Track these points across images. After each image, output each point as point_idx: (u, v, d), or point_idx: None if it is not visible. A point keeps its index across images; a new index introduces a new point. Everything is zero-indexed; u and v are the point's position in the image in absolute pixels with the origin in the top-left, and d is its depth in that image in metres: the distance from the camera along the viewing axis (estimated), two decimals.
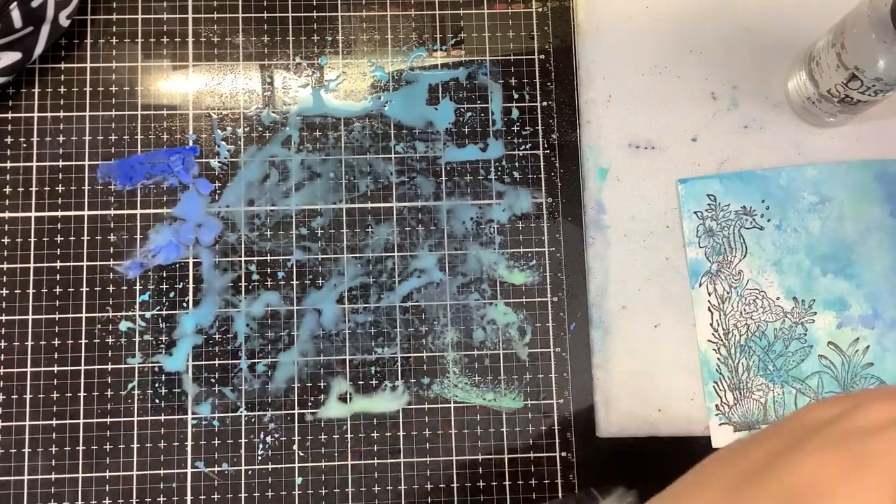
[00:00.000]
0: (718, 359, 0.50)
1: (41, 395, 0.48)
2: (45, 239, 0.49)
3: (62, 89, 0.51)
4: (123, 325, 0.49)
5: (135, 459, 0.48)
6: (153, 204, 0.50)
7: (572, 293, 0.51)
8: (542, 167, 0.52)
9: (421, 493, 0.48)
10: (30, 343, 0.48)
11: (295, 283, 0.50)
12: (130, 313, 0.49)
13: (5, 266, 0.49)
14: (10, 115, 0.50)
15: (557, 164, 0.52)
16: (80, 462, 0.47)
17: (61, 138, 0.50)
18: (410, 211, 0.51)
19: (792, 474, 0.24)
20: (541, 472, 0.49)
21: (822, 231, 0.51)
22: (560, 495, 0.49)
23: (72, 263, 0.49)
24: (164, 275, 0.50)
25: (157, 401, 0.48)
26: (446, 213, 0.51)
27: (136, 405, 0.48)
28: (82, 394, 0.48)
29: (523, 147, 0.52)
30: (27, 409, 0.48)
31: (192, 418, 0.48)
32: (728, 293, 0.51)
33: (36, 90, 0.51)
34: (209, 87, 0.52)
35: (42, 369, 0.48)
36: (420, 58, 0.53)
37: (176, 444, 0.48)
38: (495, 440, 0.49)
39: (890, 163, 0.52)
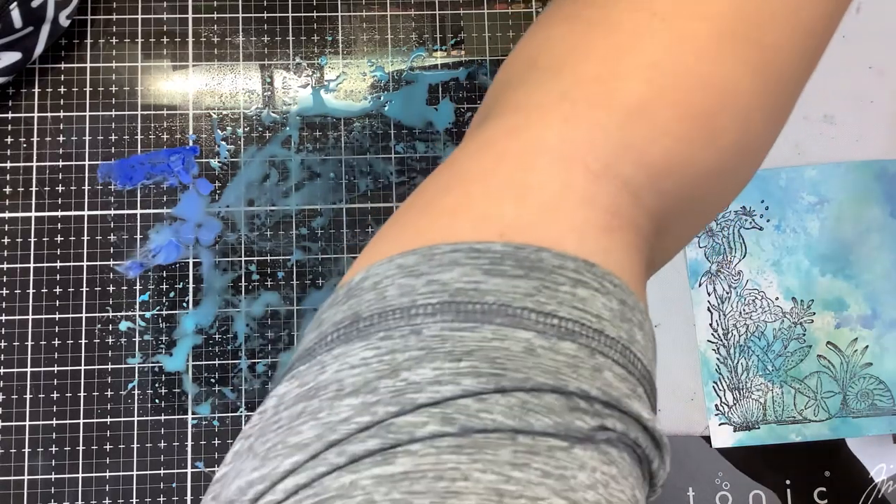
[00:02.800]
0: (718, 359, 0.50)
1: (41, 395, 0.48)
2: (45, 239, 0.49)
3: (62, 89, 0.51)
4: (123, 325, 0.49)
5: (135, 459, 0.48)
6: (153, 204, 0.50)
7: None
8: None
9: None
10: (30, 343, 0.48)
11: (295, 283, 0.50)
12: (130, 313, 0.49)
13: (5, 266, 0.49)
14: (10, 115, 0.50)
15: None
16: (80, 462, 0.47)
17: (61, 138, 0.50)
18: None
19: None
20: None
21: (821, 231, 0.51)
22: None
23: (72, 263, 0.49)
24: (164, 275, 0.50)
25: (157, 401, 0.48)
26: None
27: (136, 405, 0.48)
28: (82, 394, 0.48)
29: None
30: (27, 409, 0.48)
31: (192, 418, 0.48)
32: (727, 293, 0.51)
33: (36, 90, 0.51)
34: (209, 87, 0.52)
35: (42, 369, 0.48)
36: (420, 58, 0.53)
37: (176, 444, 0.48)
38: None
39: (889, 163, 0.52)
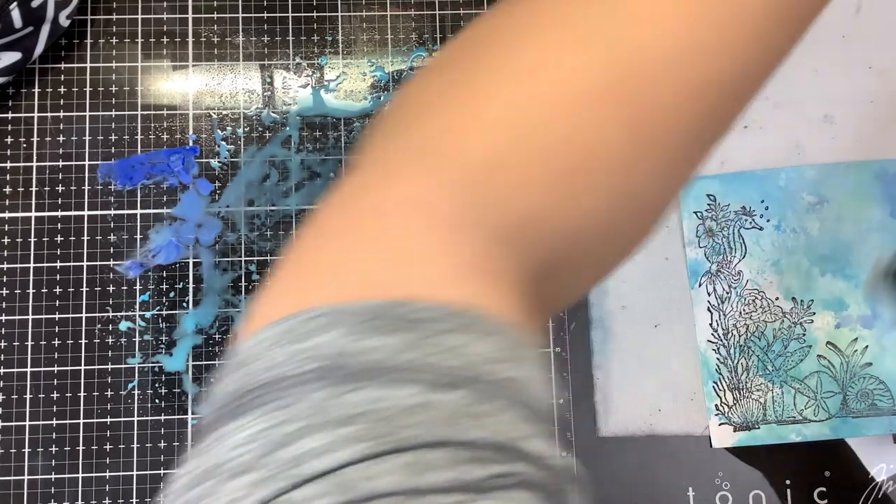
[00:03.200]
0: (718, 359, 0.50)
1: (41, 395, 0.48)
2: (45, 239, 0.49)
3: (62, 89, 0.51)
4: (123, 325, 0.49)
5: (135, 459, 0.48)
6: (153, 204, 0.50)
7: None
8: None
9: None
10: (30, 343, 0.48)
11: None
12: (130, 313, 0.49)
13: (5, 266, 0.49)
14: (10, 115, 0.50)
15: None
16: (80, 462, 0.47)
17: (61, 138, 0.50)
18: None
19: None
20: None
21: (821, 231, 0.51)
22: None
23: (72, 263, 0.49)
24: (164, 275, 0.50)
25: (157, 401, 0.48)
26: None
27: (136, 405, 0.48)
28: (82, 394, 0.48)
29: None
30: (27, 409, 0.48)
31: (192, 418, 0.48)
32: (727, 293, 0.51)
33: (36, 90, 0.51)
34: (209, 87, 0.52)
35: (42, 369, 0.48)
36: (420, 58, 0.53)
37: (176, 444, 0.48)
38: None
39: (889, 163, 0.52)
